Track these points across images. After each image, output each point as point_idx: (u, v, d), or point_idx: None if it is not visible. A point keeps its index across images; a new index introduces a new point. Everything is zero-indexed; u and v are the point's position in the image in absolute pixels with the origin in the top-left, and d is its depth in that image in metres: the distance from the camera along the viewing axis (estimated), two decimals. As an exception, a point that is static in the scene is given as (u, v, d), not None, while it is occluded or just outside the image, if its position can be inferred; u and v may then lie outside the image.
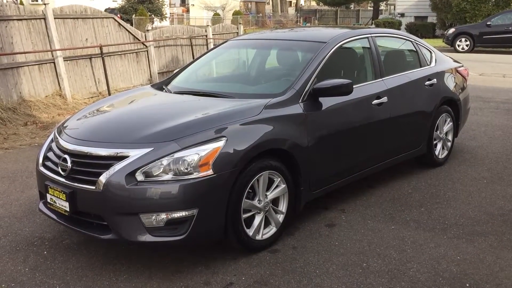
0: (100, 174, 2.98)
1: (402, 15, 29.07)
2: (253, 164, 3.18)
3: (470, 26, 19.82)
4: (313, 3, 56.92)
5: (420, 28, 26.09)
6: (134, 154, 2.99)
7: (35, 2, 39.52)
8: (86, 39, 9.27)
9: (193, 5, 50.76)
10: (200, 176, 2.94)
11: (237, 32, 13.98)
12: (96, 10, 9.59)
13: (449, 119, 5.20)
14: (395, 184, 4.65)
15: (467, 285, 2.95)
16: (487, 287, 2.93)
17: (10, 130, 6.94)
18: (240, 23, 14.46)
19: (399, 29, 23.97)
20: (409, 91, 4.64)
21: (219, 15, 42.86)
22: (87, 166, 3.10)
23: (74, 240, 3.56)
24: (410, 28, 25.70)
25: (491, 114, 7.79)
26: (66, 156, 3.19)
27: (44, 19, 8.35)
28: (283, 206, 3.47)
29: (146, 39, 10.70)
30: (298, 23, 42.16)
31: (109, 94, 9.02)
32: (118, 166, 2.96)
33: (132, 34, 10.42)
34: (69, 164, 3.14)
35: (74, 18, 9.01)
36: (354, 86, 3.77)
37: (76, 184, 3.07)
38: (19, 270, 3.17)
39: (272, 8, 52.17)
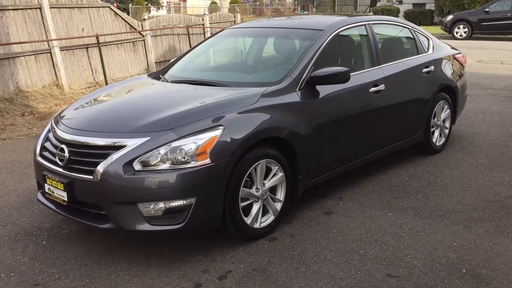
0: (97, 163, 2.98)
1: (400, 2, 28.93)
2: (250, 152, 3.18)
3: (468, 13, 19.73)
4: (311, -9, 56.50)
5: (418, 15, 25.97)
6: (132, 143, 2.99)
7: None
8: (83, 28, 9.22)
9: (190, -7, 50.44)
10: (197, 165, 2.95)
11: (234, 21, 13.92)
12: (92, -1, 9.55)
13: (446, 106, 5.20)
14: (392, 172, 4.66)
15: (464, 270, 2.98)
16: (483, 272, 2.96)
17: (7, 121, 6.93)
18: (237, 12, 14.38)
19: (397, 16, 23.86)
20: (406, 78, 4.63)
21: (216, 3, 42.60)
22: (84, 156, 3.10)
23: (73, 229, 3.57)
24: (408, 15, 25.59)
25: (488, 101, 7.79)
26: (64, 146, 3.18)
27: (40, 8, 8.30)
28: (280, 194, 3.48)
29: (142, 28, 10.64)
30: (296, 11, 41.92)
31: (106, 84, 8.99)
32: (116, 155, 2.96)
33: (129, 24, 10.36)
34: (66, 154, 3.13)
35: (70, 7, 8.96)
36: (351, 74, 3.77)
37: (73, 174, 3.08)
38: (18, 259, 3.19)
39: (269, -4, 51.82)
